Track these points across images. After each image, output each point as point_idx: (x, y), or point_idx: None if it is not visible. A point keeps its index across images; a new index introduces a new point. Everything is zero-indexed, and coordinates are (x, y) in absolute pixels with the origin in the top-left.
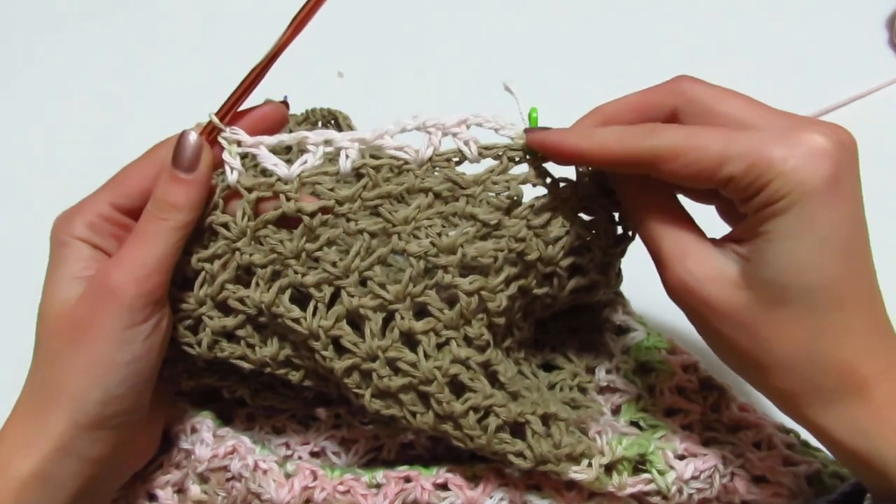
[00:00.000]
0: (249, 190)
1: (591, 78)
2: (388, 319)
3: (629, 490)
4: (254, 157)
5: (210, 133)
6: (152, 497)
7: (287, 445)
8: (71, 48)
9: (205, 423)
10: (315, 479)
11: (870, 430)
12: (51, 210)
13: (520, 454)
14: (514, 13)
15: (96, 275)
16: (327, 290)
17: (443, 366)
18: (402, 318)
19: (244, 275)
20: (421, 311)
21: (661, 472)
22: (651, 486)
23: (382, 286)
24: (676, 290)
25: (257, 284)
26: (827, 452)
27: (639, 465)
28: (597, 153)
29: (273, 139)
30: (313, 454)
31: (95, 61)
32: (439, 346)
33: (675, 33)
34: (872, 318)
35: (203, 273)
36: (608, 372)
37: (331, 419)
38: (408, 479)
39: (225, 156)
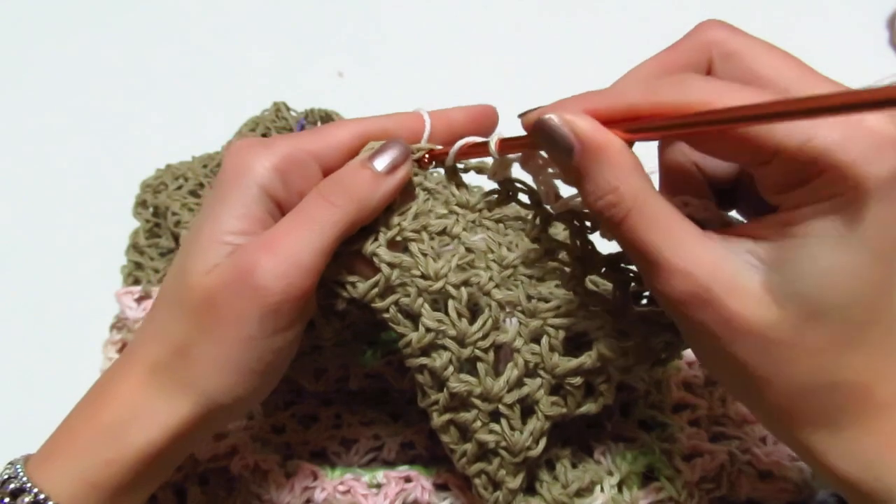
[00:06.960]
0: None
1: (593, 79)
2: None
3: (642, 503)
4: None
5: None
6: (152, 497)
7: (288, 445)
8: (71, 48)
9: None
10: (315, 479)
11: (877, 462)
12: (51, 210)
13: None
14: (514, 13)
15: (242, 256)
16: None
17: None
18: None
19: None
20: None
21: (669, 479)
22: (662, 494)
23: None
24: (682, 305)
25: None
26: None
27: (647, 474)
28: (621, 108)
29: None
30: (313, 454)
31: (95, 61)
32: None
33: (674, 33)
34: (894, 337)
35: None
36: None
37: (331, 419)
38: (408, 479)
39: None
